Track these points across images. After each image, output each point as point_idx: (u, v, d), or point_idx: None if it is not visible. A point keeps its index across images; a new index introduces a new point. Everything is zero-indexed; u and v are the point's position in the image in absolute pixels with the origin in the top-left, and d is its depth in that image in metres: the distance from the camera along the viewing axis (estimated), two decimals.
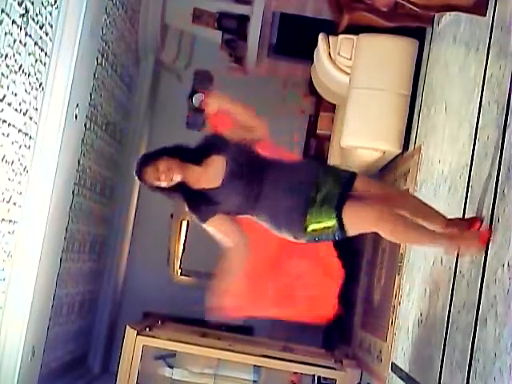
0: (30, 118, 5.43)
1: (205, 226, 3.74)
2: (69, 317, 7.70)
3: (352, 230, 3.60)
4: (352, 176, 3.69)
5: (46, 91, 5.58)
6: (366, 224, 3.60)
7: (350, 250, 6.71)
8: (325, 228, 3.58)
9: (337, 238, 3.64)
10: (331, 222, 3.56)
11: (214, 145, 3.75)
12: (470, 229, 3.62)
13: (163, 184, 3.68)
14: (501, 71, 3.78)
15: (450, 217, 3.80)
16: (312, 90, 8.27)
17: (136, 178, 3.74)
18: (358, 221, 3.58)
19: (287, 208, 3.63)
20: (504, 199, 3.40)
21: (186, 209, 3.79)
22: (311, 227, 3.60)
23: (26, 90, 5.25)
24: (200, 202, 3.71)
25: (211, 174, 3.69)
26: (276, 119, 9.88)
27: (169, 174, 3.64)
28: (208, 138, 3.83)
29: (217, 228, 3.74)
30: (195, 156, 3.72)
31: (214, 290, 3.76)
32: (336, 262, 4.16)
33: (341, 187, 3.60)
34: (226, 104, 3.85)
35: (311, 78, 7.51)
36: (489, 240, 3.44)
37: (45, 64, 5.51)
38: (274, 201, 3.65)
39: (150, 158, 3.70)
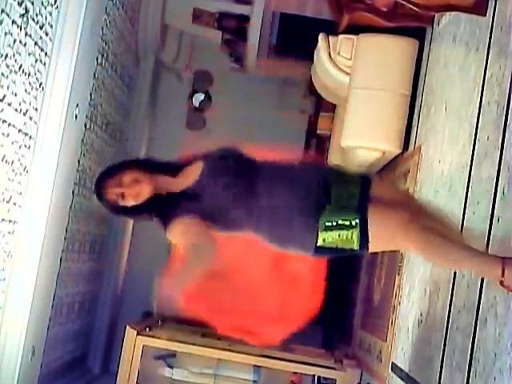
0: (30, 118, 5.43)
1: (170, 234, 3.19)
2: (69, 317, 7.70)
3: (378, 244, 3.06)
4: (367, 178, 3.20)
5: (46, 91, 5.58)
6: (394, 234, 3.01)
7: None
8: (341, 238, 3.01)
9: (356, 249, 3.04)
10: (352, 232, 3.00)
11: (191, 159, 3.18)
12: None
13: (129, 202, 3.05)
14: (501, 71, 3.78)
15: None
16: (312, 89, 8.27)
17: (96, 198, 3.09)
18: (388, 231, 3.02)
19: (293, 220, 3.06)
20: (504, 199, 3.39)
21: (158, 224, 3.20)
22: (323, 237, 3.02)
23: (25, 90, 5.24)
24: (173, 207, 3.10)
25: (187, 178, 3.13)
26: (276, 119, 9.94)
27: (135, 188, 3.02)
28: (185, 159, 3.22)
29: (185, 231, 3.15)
30: (169, 168, 3.15)
31: (164, 281, 3.30)
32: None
33: (358, 188, 3.07)
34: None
35: (311, 77, 7.51)
36: None
37: (45, 64, 5.51)
38: (275, 213, 3.08)
39: (110, 172, 3.07)
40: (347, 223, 2.99)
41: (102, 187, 3.05)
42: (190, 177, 3.11)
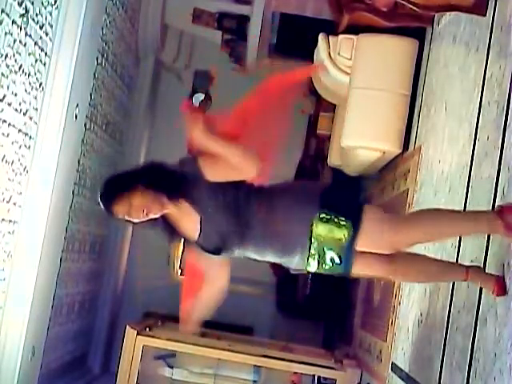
0: (30, 118, 5.43)
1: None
2: (69, 317, 7.70)
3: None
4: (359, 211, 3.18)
5: (45, 91, 5.58)
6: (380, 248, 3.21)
7: None
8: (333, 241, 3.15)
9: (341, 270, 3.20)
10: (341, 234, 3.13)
11: (188, 182, 3.14)
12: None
13: (136, 220, 3.12)
14: (501, 71, 3.78)
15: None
16: (312, 89, 8.26)
17: (104, 209, 3.12)
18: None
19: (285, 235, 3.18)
20: (504, 199, 3.39)
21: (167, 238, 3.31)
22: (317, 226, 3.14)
23: (26, 90, 5.25)
24: (180, 237, 3.27)
25: (186, 225, 3.21)
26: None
27: (143, 214, 3.09)
28: (185, 167, 3.17)
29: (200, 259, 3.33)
30: (170, 189, 3.12)
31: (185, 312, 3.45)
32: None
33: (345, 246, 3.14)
34: (214, 147, 3.11)
35: (311, 77, 7.50)
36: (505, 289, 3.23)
37: (45, 64, 5.51)
38: (267, 233, 3.17)
39: (121, 189, 3.07)
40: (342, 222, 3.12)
41: (112, 203, 3.08)
42: (191, 226, 3.19)
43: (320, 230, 3.13)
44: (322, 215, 3.14)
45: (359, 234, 3.12)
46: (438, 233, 3.30)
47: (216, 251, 3.22)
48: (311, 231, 3.13)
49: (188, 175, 3.13)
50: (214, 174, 3.12)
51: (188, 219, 3.18)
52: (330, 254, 3.16)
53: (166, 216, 3.19)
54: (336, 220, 3.13)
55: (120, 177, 3.17)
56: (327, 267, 3.19)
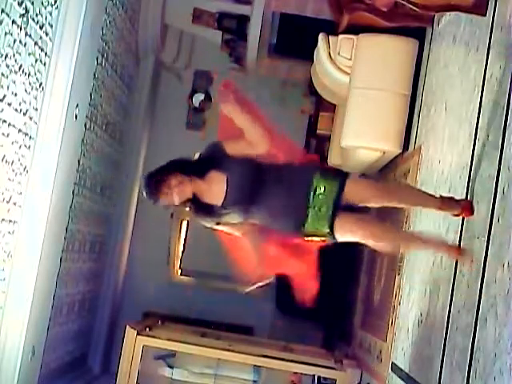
0: (30, 118, 5.43)
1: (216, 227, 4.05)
2: (69, 317, 7.70)
3: (343, 239, 3.94)
4: (343, 181, 3.91)
5: (45, 91, 5.58)
6: (355, 238, 3.92)
7: (349, 250, 6.71)
8: (319, 233, 3.91)
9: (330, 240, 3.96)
10: (325, 231, 3.89)
11: (214, 158, 3.92)
12: (461, 214, 3.90)
13: (177, 200, 3.84)
14: (501, 71, 3.78)
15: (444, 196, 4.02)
16: (312, 89, 8.27)
17: (149, 199, 3.86)
18: (348, 235, 3.91)
19: (287, 210, 3.90)
20: (504, 199, 3.40)
21: (195, 216, 4.04)
22: (308, 229, 3.90)
23: (25, 90, 5.25)
24: (207, 212, 3.97)
25: (214, 191, 3.90)
26: (276, 119, 9.93)
27: (181, 188, 3.83)
28: (209, 150, 3.97)
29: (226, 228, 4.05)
30: (197, 169, 3.90)
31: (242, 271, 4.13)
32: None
33: (333, 196, 3.87)
34: (237, 115, 3.91)
35: (311, 77, 7.51)
36: (471, 209, 3.82)
37: (45, 64, 5.51)
38: (274, 204, 3.88)
39: (158, 177, 3.85)
40: (323, 232, 3.91)
41: (157, 191, 3.82)
42: (217, 190, 3.89)
43: (320, 181, 3.88)
44: (322, 173, 3.94)
45: (345, 186, 3.88)
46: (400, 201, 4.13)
47: (240, 202, 3.88)
48: (313, 183, 3.87)
49: (213, 153, 3.92)
50: (234, 147, 3.90)
51: (215, 186, 3.88)
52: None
53: (197, 195, 3.90)
54: (330, 177, 3.92)
55: (156, 172, 3.87)
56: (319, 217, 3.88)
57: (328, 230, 3.87)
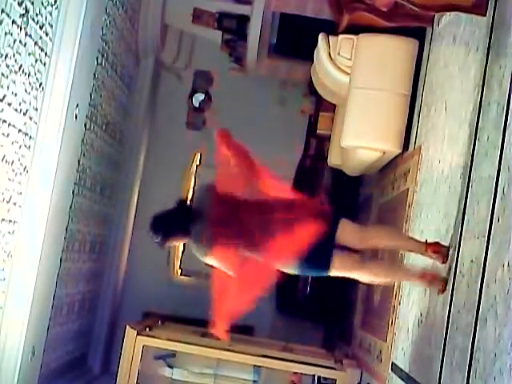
0: (30, 118, 5.43)
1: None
2: (69, 317, 7.70)
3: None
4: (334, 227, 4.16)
5: (45, 91, 5.58)
6: (350, 274, 4.24)
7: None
8: None
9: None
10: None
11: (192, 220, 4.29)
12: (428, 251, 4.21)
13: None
14: (501, 71, 3.78)
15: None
16: (312, 90, 8.26)
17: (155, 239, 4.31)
18: (343, 272, 4.21)
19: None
20: (504, 199, 3.39)
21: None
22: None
23: (25, 90, 5.25)
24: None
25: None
26: (276, 119, 9.94)
27: (183, 241, 4.51)
28: (198, 197, 4.43)
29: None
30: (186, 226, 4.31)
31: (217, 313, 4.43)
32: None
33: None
34: (230, 151, 4.23)
35: (311, 77, 7.51)
36: (439, 250, 4.16)
37: (45, 64, 5.51)
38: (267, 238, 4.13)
39: (164, 233, 4.33)
40: None
41: (160, 241, 4.34)
42: None
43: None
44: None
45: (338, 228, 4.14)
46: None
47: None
48: None
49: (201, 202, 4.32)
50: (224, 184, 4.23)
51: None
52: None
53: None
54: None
55: (163, 226, 4.33)
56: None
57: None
